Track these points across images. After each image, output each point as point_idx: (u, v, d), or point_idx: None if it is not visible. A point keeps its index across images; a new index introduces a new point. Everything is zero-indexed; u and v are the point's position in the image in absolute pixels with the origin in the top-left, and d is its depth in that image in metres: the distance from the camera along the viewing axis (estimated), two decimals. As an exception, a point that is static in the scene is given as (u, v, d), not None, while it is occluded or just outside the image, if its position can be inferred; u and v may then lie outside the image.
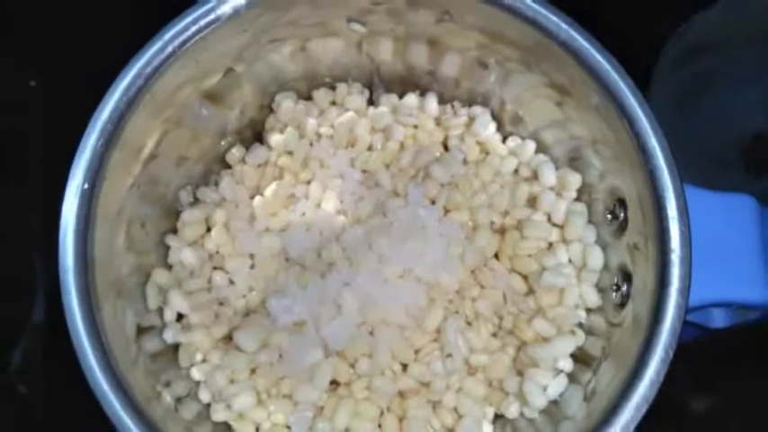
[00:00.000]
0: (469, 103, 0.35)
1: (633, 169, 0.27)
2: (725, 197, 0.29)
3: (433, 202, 0.32)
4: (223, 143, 0.34)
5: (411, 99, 0.34)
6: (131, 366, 0.27)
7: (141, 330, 0.29)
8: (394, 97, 0.35)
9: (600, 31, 0.28)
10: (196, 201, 0.33)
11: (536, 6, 0.28)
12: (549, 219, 0.32)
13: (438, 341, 0.30)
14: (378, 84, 0.35)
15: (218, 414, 0.30)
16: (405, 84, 0.35)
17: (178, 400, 0.29)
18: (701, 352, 0.34)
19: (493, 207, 0.32)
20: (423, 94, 0.35)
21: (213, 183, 0.34)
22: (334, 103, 0.35)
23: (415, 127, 0.34)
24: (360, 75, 0.35)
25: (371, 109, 0.34)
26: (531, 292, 0.31)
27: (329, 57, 0.33)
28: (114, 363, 0.26)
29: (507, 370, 0.30)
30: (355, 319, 0.30)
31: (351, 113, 0.34)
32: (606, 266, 0.30)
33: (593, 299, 0.30)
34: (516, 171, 0.33)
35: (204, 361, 0.31)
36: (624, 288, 0.29)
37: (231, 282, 0.32)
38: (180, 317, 0.31)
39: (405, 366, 0.30)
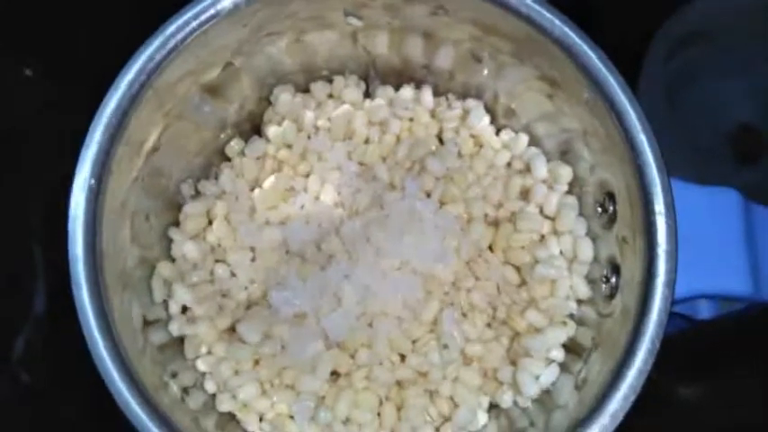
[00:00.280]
0: (464, 95, 0.35)
1: (622, 163, 0.28)
2: (711, 191, 0.30)
3: (429, 195, 0.32)
4: (222, 136, 0.34)
5: (407, 92, 0.35)
6: (139, 357, 0.28)
7: (147, 323, 0.30)
8: (390, 90, 0.35)
9: (590, 23, 0.28)
10: (197, 194, 0.34)
11: (529, 2, 0.28)
12: (542, 211, 0.32)
13: (434, 332, 0.31)
14: (374, 76, 0.35)
15: (224, 404, 0.31)
16: (400, 76, 0.35)
17: (185, 390, 0.30)
18: (687, 343, 0.35)
19: (487, 199, 0.33)
20: (418, 86, 0.35)
21: (214, 176, 0.34)
22: (331, 96, 0.35)
23: (411, 120, 0.34)
24: (356, 67, 0.35)
25: (368, 102, 0.35)
26: (523, 283, 0.32)
27: (326, 49, 0.34)
28: (124, 353, 0.26)
29: (501, 360, 0.31)
30: (355, 311, 0.30)
31: (347, 106, 0.34)
32: (596, 258, 0.31)
33: (584, 290, 0.31)
34: (509, 164, 0.34)
35: (209, 353, 0.31)
36: (613, 280, 0.29)
37: (233, 274, 0.33)
38: (184, 309, 0.32)
39: (403, 357, 0.31)
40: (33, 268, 0.38)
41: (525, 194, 0.33)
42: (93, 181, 0.27)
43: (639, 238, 0.27)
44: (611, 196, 0.30)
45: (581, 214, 0.32)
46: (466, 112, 0.34)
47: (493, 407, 0.32)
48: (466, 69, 0.34)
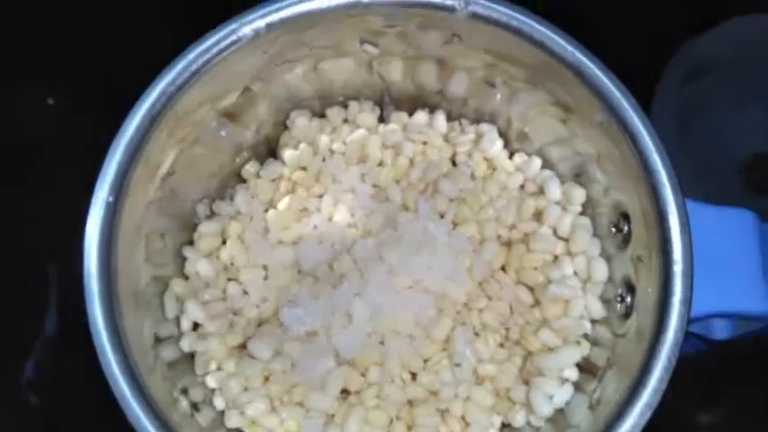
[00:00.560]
0: (477, 120, 0.35)
1: (636, 184, 0.28)
2: (726, 211, 0.30)
3: (442, 216, 0.33)
4: (238, 159, 0.35)
5: (420, 117, 0.35)
6: (150, 373, 0.28)
7: (158, 339, 0.30)
8: (404, 115, 0.36)
9: (603, 50, 0.28)
10: (212, 214, 0.34)
11: (543, 29, 0.28)
12: (555, 232, 0.33)
13: (446, 351, 0.31)
14: (388, 102, 0.36)
15: (232, 420, 0.30)
16: (414, 102, 0.36)
17: (194, 406, 0.30)
18: (703, 364, 0.34)
19: (500, 221, 0.33)
20: (432, 111, 0.35)
21: (229, 197, 0.35)
22: (346, 121, 0.36)
23: (425, 143, 0.35)
24: (371, 93, 0.35)
25: (382, 126, 0.35)
26: (537, 303, 0.32)
27: (342, 76, 0.34)
28: (135, 369, 0.26)
29: (514, 379, 0.31)
30: (366, 329, 0.30)
31: (362, 131, 0.35)
32: (610, 278, 0.31)
33: (598, 310, 0.31)
34: (522, 186, 0.34)
35: (219, 369, 0.31)
36: (628, 299, 0.29)
37: (245, 292, 0.33)
38: (195, 326, 0.32)
39: (414, 375, 0.31)
40: (45, 289, 0.38)
41: (538, 216, 0.33)
42: (111, 198, 0.27)
43: (655, 257, 0.27)
44: (625, 217, 0.30)
45: (595, 235, 0.32)
46: (479, 137, 0.35)
47: (505, 426, 0.31)
48: (479, 95, 0.34)
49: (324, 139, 0.35)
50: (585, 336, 0.31)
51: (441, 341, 0.31)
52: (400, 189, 0.33)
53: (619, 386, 0.27)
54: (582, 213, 0.33)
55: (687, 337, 0.26)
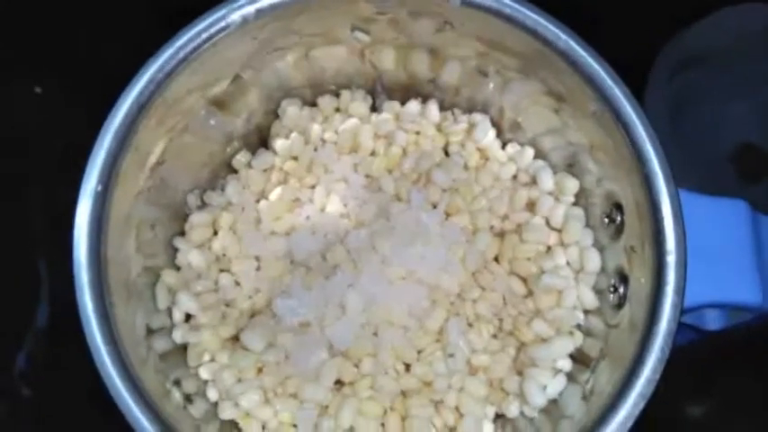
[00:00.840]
0: (470, 110, 0.35)
1: (629, 174, 0.28)
2: (718, 201, 0.30)
3: (435, 207, 0.32)
4: (229, 149, 0.35)
5: (413, 106, 0.35)
6: (142, 365, 0.28)
7: (151, 330, 0.30)
8: (396, 104, 0.35)
9: (596, 39, 0.28)
10: (203, 204, 0.34)
11: (536, 17, 0.28)
12: (548, 223, 0.33)
13: (440, 342, 0.31)
14: (380, 91, 0.36)
15: (226, 412, 0.30)
16: (407, 91, 0.35)
17: (187, 398, 0.30)
18: (696, 354, 0.35)
19: (493, 211, 0.33)
20: (424, 101, 0.35)
21: (220, 187, 0.34)
22: (338, 110, 0.35)
23: (417, 133, 0.35)
24: (363, 82, 0.35)
25: (374, 115, 0.35)
26: (530, 294, 0.32)
27: (333, 64, 0.34)
28: (127, 360, 0.26)
29: (507, 370, 0.31)
30: (359, 320, 0.30)
31: (354, 120, 0.35)
32: (603, 269, 0.31)
33: (591, 300, 0.31)
34: (515, 176, 0.34)
35: (212, 360, 0.31)
36: (621, 290, 0.29)
37: (237, 283, 0.33)
38: (188, 317, 0.32)
39: (408, 366, 0.31)
40: (36, 280, 0.38)
41: (531, 206, 0.33)
42: (100, 187, 0.27)
43: (648, 247, 0.27)
44: (618, 207, 0.30)
45: (588, 225, 0.32)
46: (472, 126, 0.34)
47: (499, 417, 0.31)
48: (472, 84, 0.34)
49: (315, 129, 0.34)
50: (578, 326, 0.31)
51: (434, 332, 0.31)
52: (393, 179, 0.33)
53: (612, 376, 0.27)
54: (575, 204, 0.33)
55: (680, 327, 0.26)
